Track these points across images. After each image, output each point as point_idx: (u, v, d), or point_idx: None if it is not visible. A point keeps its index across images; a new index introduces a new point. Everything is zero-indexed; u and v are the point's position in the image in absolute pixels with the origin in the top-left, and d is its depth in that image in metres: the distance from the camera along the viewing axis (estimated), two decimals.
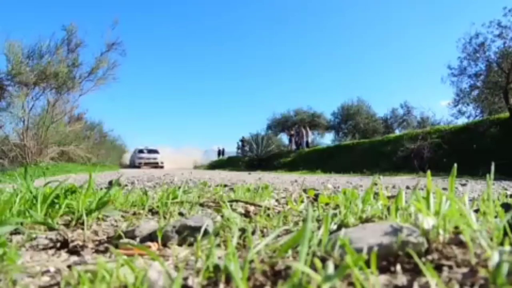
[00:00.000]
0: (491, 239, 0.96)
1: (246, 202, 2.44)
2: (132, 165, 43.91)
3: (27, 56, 20.30)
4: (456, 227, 1.12)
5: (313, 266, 0.83)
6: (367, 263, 0.76)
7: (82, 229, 1.60)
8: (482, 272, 0.80)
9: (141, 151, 44.28)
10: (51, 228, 1.62)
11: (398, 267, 0.91)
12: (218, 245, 1.31)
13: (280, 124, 44.86)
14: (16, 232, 1.54)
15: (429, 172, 1.30)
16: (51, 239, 1.47)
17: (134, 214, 2.10)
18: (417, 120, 38.21)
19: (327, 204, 2.40)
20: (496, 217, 1.19)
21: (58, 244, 1.38)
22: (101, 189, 2.56)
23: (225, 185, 5.34)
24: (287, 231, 1.50)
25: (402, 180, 10.03)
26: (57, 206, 1.82)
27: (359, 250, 0.91)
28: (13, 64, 19.58)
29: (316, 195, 3.05)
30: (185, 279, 0.89)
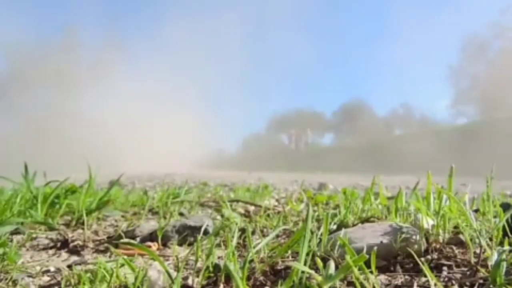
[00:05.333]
0: (491, 239, 0.96)
1: (246, 202, 2.45)
2: None
3: (27, 55, 20.33)
4: (456, 227, 1.12)
5: (313, 266, 0.83)
6: (367, 263, 0.76)
7: (83, 229, 1.60)
8: (481, 272, 0.80)
9: None
10: (51, 228, 1.63)
11: (398, 266, 0.91)
12: (218, 245, 1.31)
13: (280, 124, 44.83)
14: (16, 232, 1.54)
15: (429, 172, 1.30)
16: (51, 239, 1.47)
17: (134, 214, 2.10)
18: (417, 120, 38.25)
19: (327, 203, 2.40)
20: (495, 217, 1.19)
21: (59, 244, 1.39)
22: (101, 189, 2.56)
23: (225, 185, 5.35)
24: (287, 231, 1.51)
25: (402, 180, 10.03)
26: (57, 206, 1.82)
27: (359, 250, 0.91)
28: (14, 63, 19.63)
29: (316, 195, 3.06)
30: (185, 278, 0.89)
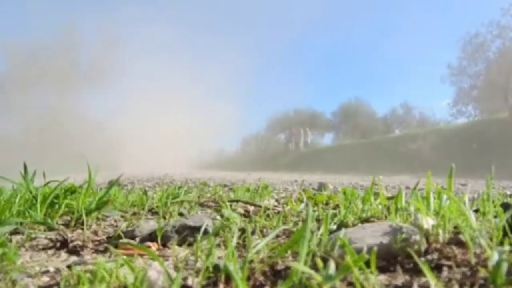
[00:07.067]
0: (491, 239, 0.96)
1: (246, 202, 2.44)
2: None
3: (27, 55, 20.31)
4: (456, 227, 1.12)
5: (313, 266, 0.83)
6: (367, 263, 0.76)
7: (82, 229, 1.60)
8: (482, 272, 0.80)
9: None
10: (50, 228, 1.62)
11: (398, 267, 0.91)
12: (218, 245, 1.31)
13: (280, 124, 44.77)
14: (16, 232, 1.54)
15: (429, 172, 1.30)
16: (50, 239, 1.47)
17: (134, 214, 2.10)
18: (417, 120, 38.23)
19: (327, 204, 2.40)
20: (495, 217, 1.19)
21: (58, 244, 1.38)
22: (100, 189, 2.56)
23: (225, 185, 5.35)
24: (287, 231, 1.51)
25: (402, 180, 10.04)
26: (56, 206, 1.82)
27: (359, 250, 0.91)
28: (14, 64, 19.62)
29: (316, 195, 3.05)
30: (185, 279, 0.89)
